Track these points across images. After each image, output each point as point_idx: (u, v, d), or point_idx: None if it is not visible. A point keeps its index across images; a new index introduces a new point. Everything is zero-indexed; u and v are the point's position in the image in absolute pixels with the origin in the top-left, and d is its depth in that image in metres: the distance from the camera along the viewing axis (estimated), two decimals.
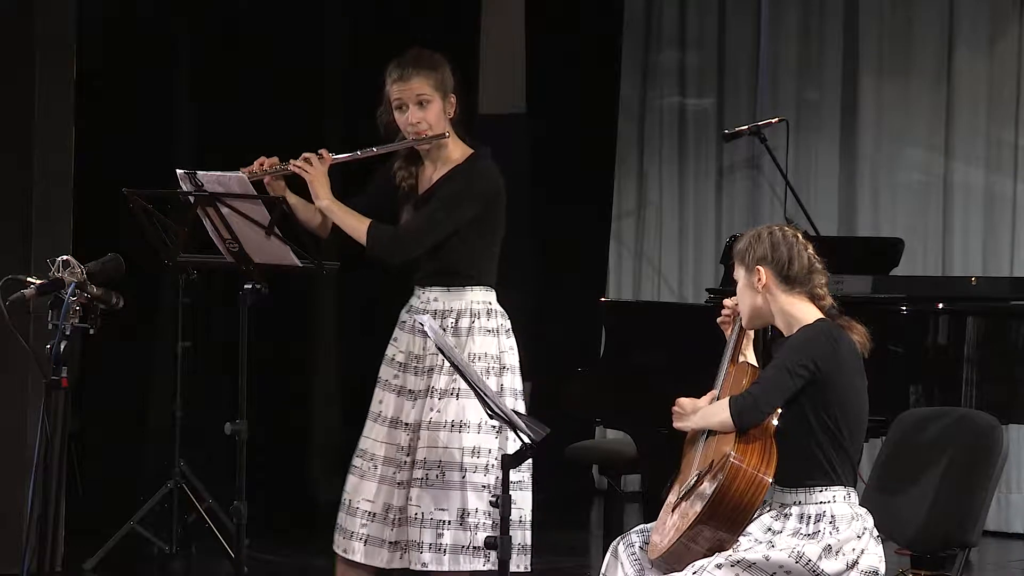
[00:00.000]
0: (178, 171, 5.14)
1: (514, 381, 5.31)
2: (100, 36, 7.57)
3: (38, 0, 6.68)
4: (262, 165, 5.22)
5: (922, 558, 5.66)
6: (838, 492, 4.44)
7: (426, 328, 4.86)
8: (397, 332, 5.41)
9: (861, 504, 4.50)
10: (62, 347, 4.22)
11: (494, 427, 5.17)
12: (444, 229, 5.26)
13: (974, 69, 8.64)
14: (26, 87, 6.64)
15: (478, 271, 5.32)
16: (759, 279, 4.56)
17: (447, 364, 5.13)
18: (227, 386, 7.69)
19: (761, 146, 7.24)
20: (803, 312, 4.54)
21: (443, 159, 5.36)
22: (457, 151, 5.36)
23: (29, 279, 4.32)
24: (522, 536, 5.24)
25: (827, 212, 8.84)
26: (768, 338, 4.89)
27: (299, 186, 5.27)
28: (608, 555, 4.63)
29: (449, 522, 5.17)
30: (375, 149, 5.33)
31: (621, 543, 4.61)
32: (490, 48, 9.51)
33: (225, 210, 5.08)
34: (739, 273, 4.62)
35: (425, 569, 5.22)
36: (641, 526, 4.67)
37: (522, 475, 5.22)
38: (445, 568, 5.18)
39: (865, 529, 4.43)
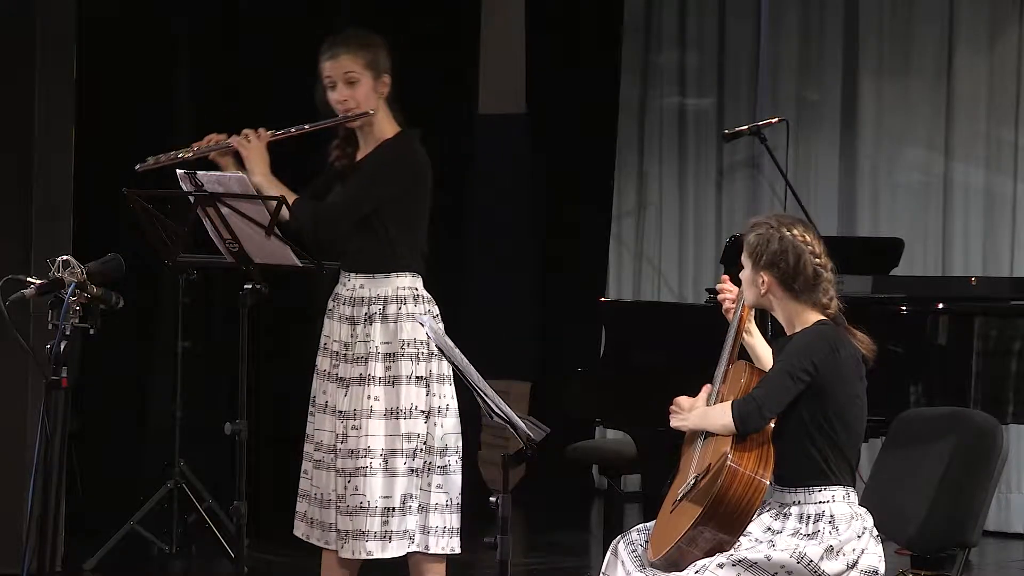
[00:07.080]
0: (178, 171, 5.15)
1: (441, 367, 5.30)
2: (100, 36, 7.56)
3: (38, 0, 6.68)
4: (210, 141, 5.30)
5: (922, 558, 5.66)
6: (837, 492, 4.43)
7: (426, 328, 4.86)
8: (325, 320, 5.44)
9: (861, 504, 4.50)
10: (62, 347, 4.22)
11: (423, 412, 5.25)
12: (363, 205, 5.27)
13: (974, 69, 8.64)
14: (26, 87, 6.64)
15: (401, 257, 5.32)
16: (762, 281, 4.54)
17: (383, 352, 5.22)
18: (227, 386, 7.69)
19: (761, 146, 7.23)
20: (804, 315, 4.53)
21: (375, 138, 5.38)
22: (388, 130, 5.37)
23: (29, 279, 4.32)
24: (453, 519, 5.31)
25: (827, 212, 8.83)
26: (768, 337, 4.88)
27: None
28: (608, 553, 4.62)
29: (394, 509, 5.23)
30: (307, 126, 5.37)
31: (622, 541, 4.61)
32: (490, 48, 9.50)
33: (225, 210, 5.09)
34: (745, 263, 4.58)
35: (370, 557, 5.26)
36: (642, 524, 4.67)
37: (448, 459, 5.30)
38: (389, 555, 5.25)
39: (865, 529, 4.43)
